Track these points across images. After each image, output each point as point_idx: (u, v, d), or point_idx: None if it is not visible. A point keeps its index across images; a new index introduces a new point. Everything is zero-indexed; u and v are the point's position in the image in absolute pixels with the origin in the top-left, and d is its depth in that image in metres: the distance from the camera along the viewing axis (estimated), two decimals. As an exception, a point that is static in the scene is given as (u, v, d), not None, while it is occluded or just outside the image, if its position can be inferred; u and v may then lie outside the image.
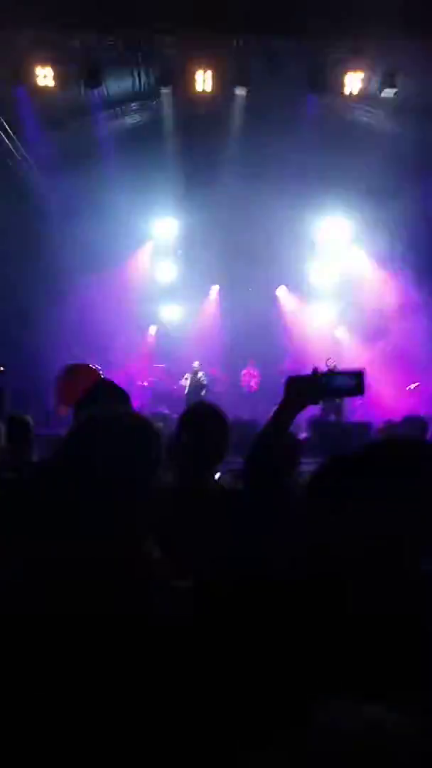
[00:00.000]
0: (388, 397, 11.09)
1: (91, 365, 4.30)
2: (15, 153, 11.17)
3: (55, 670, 1.08)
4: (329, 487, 1.36)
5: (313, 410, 11.93)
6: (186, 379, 12.32)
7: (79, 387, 3.65)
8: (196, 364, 12.41)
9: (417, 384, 11.41)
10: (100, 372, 4.25)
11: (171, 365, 13.31)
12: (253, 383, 13.26)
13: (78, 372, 4.03)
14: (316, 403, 1.79)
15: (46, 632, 1.10)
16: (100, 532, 1.18)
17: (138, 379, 12.13)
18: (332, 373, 1.79)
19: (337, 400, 10.99)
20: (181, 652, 1.12)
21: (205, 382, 12.15)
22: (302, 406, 1.75)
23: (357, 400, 11.00)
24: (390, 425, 7.10)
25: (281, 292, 14.53)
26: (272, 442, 1.74)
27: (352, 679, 1.06)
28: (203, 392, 11.83)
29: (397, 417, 7.95)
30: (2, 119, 10.36)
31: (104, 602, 1.12)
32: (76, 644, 1.09)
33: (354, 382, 1.77)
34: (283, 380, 1.81)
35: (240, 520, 1.73)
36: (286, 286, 14.41)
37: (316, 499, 1.32)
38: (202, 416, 2.26)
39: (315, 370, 1.78)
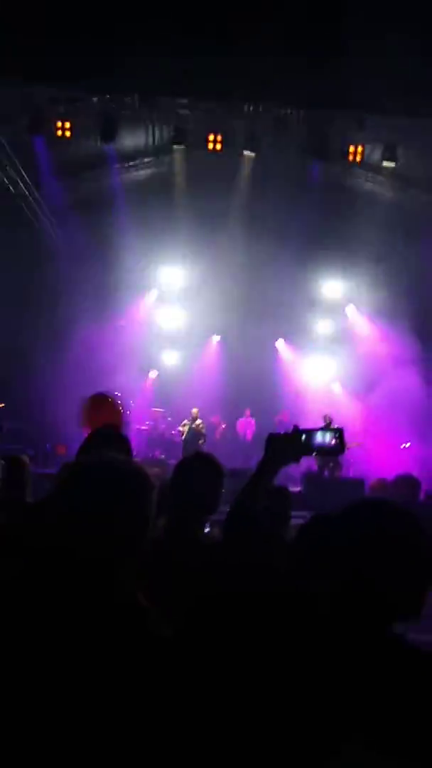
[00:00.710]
0: (384, 451, 11.16)
1: (113, 399, 4.19)
2: (30, 198, 11.55)
3: (49, 722, 1.09)
4: (310, 543, 1.41)
5: (310, 464, 11.98)
6: (184, 425, 12.34)
7: (100, 418, 3.69)
8: (194, 411, 12.43)
9: (409, 444, 11.48)
10: (120, 408, 4.16)
11: (169, 410, 13.38)
12: (248, 433, 13.31)
13: (101, 403, 3.98)
14: (296, 461, 1.79)
15: (34, 685, 1.10)
16: (88, 581, 1.18)
17: (135, 422, 12.17)
18: (312, 432, 1.77)
19: (314, 455, 10.95)
20: (168, 700, 1.14)
21: (203, 431, 12.17)
22: (282, 464, 1.76)
23: (353, 455, 11.08)
24: (382, 483, 7.11)
25: (280, 344, 14.76)
26: (252, 498, 1.77)
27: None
28: (201, 441, 11.85)
29: (391, 474, 7.99)
30: (19, 165, 10.76)
31: (91, 653, 1.13)
32: (67, 697, 1.10)
33: (335, 440, 1.76)
34: (277, 431, 1.85)
35: (220, 573, 1.75)
36: (285, 338, 14.67)
37: (298, 553, 1.36)
38: (194, 468, 2.29)
39: (295, 428, 1.78)
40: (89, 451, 2.40)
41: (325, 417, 11.93)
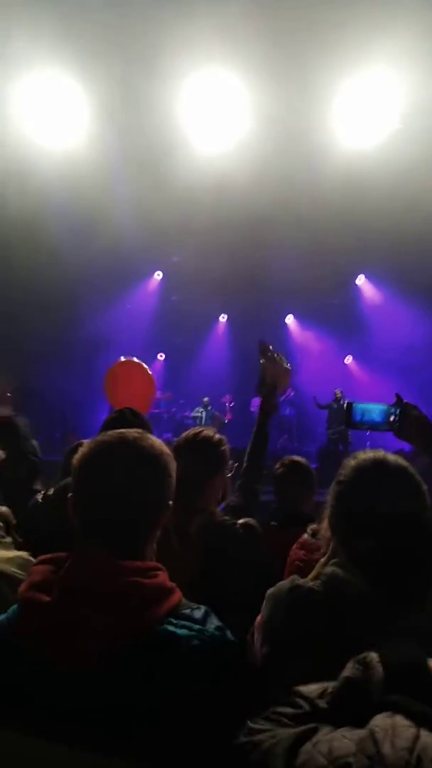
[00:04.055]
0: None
1: (137, 364, 4.07)
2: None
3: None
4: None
5: (323, 441, 11.88)
6: (198, 412, 12.37)
7: (129, 390, 3.56)
8: (205, 400, 12.48)
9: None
10: (148, 371, 4.06)
11: (178, 394, 13.29)
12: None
13: (124, 372, 3.86)
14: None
15: None
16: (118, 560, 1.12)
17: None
18: (360, 405, 1.66)
19: (342, 428, 10.99)
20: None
21: (222, 420, 12.24)
22: None
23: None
24: (400, 454, 6.97)
25: (290, 320, 14.59)
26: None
27: None
28: (221, 425, 11.88)
29: (407, 445, 7.86)
30: None
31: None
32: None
33: (387, 416, 1.63)
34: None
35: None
36: (294, 315, 14.47)
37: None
38: (189, 443, 2.05)
39: (349, 403, 1.70)
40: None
41: (335, 392, 11.82)
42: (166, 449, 1.23)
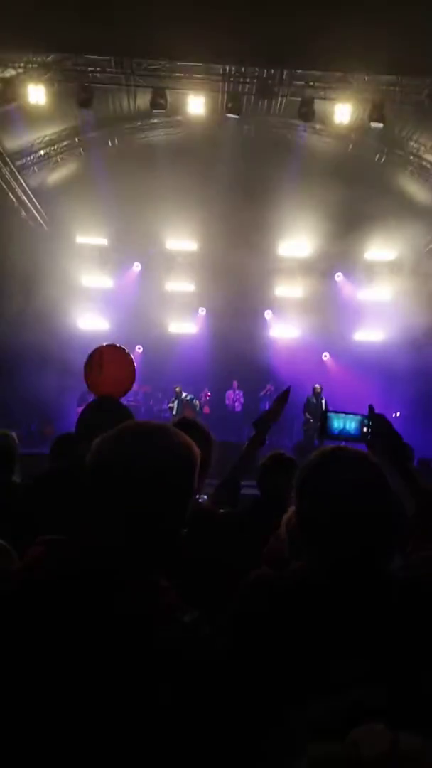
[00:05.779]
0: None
1: (120, 349, 3.97)
2: (8, 176, 11.15)
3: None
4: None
5: (299, 436, 11.97)
6: (173, 402, 12.37)
7: (109, 375, 3.51)
8: (178, 388, 12.47)
9: (399, 413, 11.45)
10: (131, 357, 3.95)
11: (156, 386, 13.23)
12: (237, 405, 13.25)
13: (106, 358, 3.76)
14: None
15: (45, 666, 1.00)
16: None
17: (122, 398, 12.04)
18: (337, 415, 1.65)
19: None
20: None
21: (197, 403, 12.27)
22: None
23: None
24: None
25: (268, 315, 14.58)
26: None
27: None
28: (197, 407, 11.93)
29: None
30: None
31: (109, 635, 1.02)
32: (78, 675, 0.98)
33: (361, 427, 1.63)
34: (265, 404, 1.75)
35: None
36: (272, 309, 14.48)
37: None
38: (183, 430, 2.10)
39: (324, 411, 1.70)
40: (91, 423, 2.25)
41: (314, 388, 11.89)
42: (182, 448, 1.15)
